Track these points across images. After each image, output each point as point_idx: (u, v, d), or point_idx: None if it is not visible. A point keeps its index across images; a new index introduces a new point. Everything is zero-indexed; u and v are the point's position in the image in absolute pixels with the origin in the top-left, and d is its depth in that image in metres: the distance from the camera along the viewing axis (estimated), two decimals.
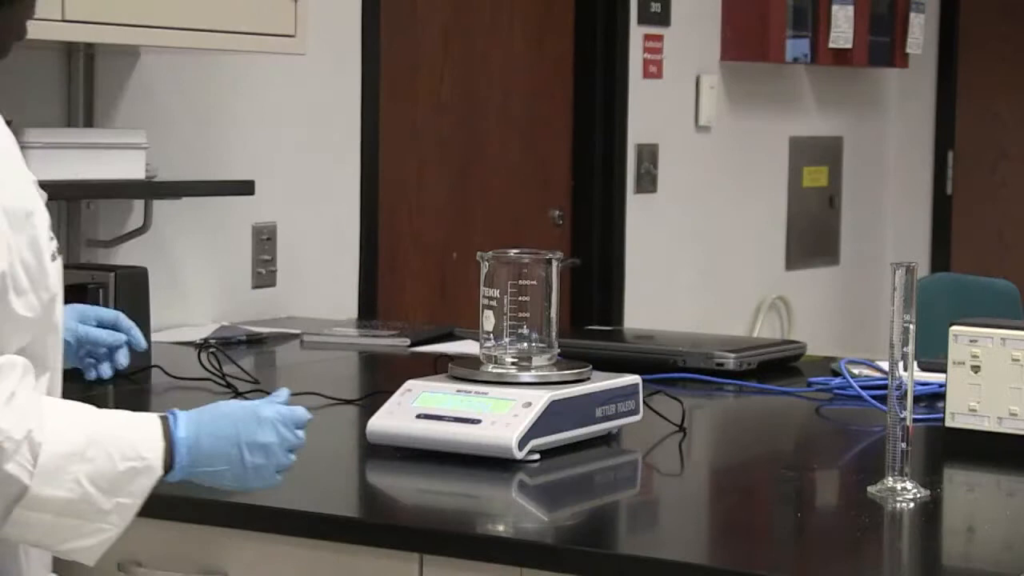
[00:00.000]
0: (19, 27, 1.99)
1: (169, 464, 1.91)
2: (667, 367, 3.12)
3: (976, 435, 2.46)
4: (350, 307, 4.22)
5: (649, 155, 5.23)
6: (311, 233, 4.12)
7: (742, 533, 2.08)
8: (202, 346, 3.08)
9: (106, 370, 2.30)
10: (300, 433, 1.98)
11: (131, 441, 1.91)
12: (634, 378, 2.52)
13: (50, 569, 2.03)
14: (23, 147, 3.18)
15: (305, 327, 3.70)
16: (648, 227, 5.24)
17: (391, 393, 2.43)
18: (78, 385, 2.22)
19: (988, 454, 2.44)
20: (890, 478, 2.17)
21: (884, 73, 6.38)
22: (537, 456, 2.33)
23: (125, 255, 3.59)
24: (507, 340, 2.44)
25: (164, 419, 1.94)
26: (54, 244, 1.93)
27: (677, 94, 5.35)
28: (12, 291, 1.84)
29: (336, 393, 2.84)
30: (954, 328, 2.48)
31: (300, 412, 1.99)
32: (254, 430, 1.95)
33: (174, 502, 2.15)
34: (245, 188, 3.66)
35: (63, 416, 1.89)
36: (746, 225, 5.71)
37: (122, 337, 2.29)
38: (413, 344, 3.52)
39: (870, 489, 2.17)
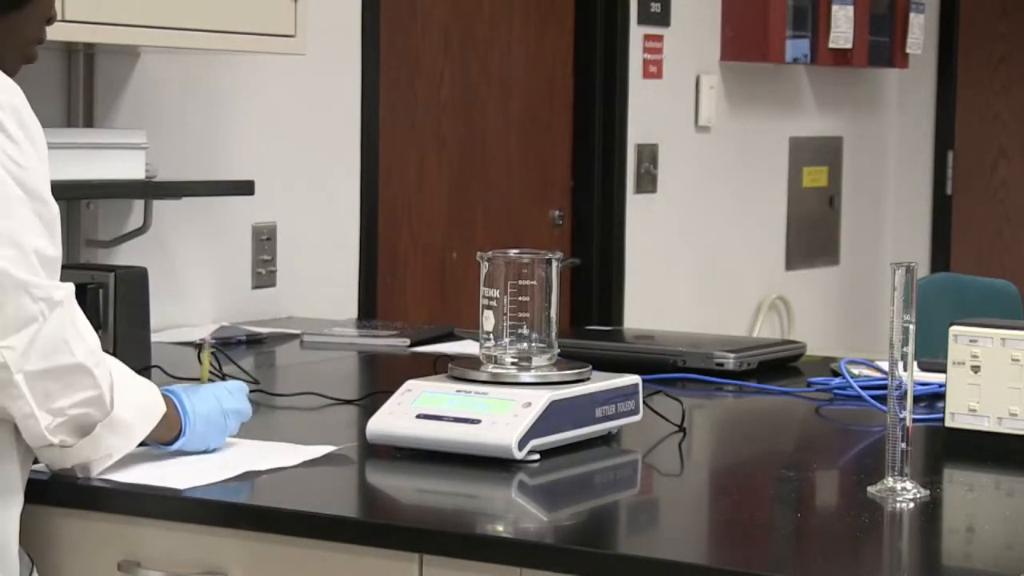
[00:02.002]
0: (37, 30, 2.22)
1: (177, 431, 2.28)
2: (667, 367, 3.12)
3: (976, 435, 2.46)
4: (350, 307, 4.22)
5: (649, 155, 5.23)
6: (311, 233, 4.12)
7: (742, 533, 2.08)
8: (202, 342, 3.07)
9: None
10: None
11: (142, 381, 2.26)
12: (634, 378, 2.52)
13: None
14: None
15: (305, 327, 3.70)
16: (648, 227, 5.24)
17: (391, 393, 2.43)
18: None
19: (988, 454, 2.44)
20: (890, 478, 2.16)
21: (884, 73, 6.38)
22: (537, 456, 2.33)
23: (125, 255, 3.59)
24: (507, 340, 2.44)
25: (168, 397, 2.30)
26: None
27: (677, 94, 5.35)
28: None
29: (336, 393, 2.84)
30: (954, 328, 2.48)
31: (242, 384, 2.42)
32: (228, 398, 2.35)
33: (174, 502, 2.15)
34: (245, 188, 3.66)
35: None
36: (746, 225, 5.71)
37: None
38: (413, 344, 3.51)
39: (870, 489, 2.17)
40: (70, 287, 2.09)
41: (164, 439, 2.27)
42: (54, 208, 2.09)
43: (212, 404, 2.32)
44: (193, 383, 2.45)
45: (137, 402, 2.21)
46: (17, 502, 2.13)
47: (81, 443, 2.13)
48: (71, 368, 2.06)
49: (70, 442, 2.11)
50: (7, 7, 2.16)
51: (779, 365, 3.24)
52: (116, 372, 2.17)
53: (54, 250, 2.08)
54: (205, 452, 2.32)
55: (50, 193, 2.09)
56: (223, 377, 2.90)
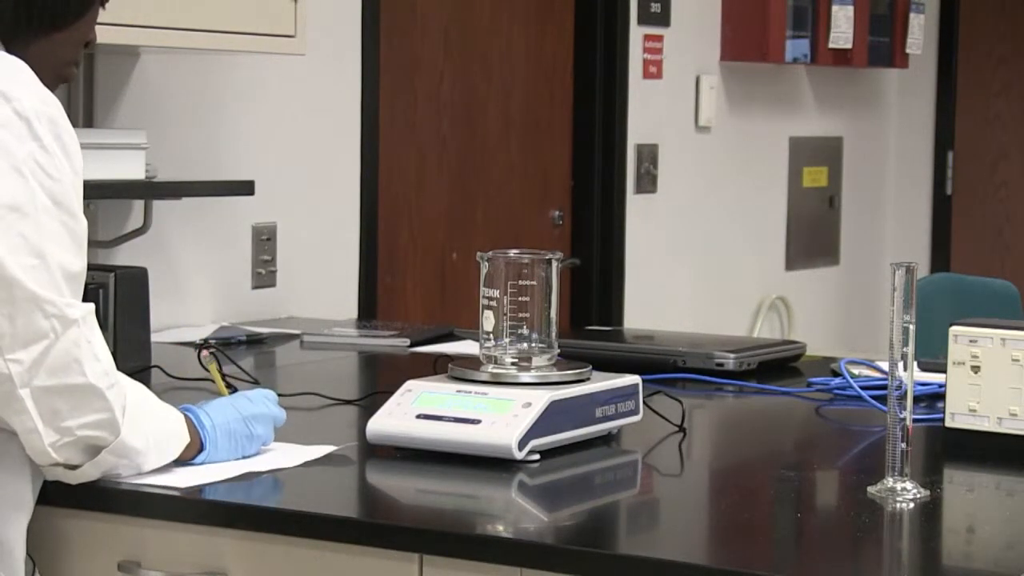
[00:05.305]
0: (74, 52, 2.23)
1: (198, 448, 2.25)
2: (667, 367, 3.12)
3: (976, 435, 2.46)
4: (350, 307, 4.22)
5: (649, 155, 5.23)
6: (311, 233, 4.12)
7: (742, 533, 2.08)
8: (202, 346, 3.07)
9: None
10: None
11: (167, 411, 2.22)
12: (634, 378, 2.52)
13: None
14: None
15: (305, 327, 3.70)
16: (648, 227, 5.24)
17: (391, 393, 2.43)
18: None
19: (988, 454, 2.44)
20: (890, 478, 2.16)
21: (884, 73, 6.39)
22: (537, 456, 2.33)
23: (125, 255, 3.59)
24: (507, 340, 2.44)
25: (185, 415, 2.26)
26: None
27: (677, 94, 5.35)
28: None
29: (336, 393, 2.84)
30: (954, 328, 2.48)
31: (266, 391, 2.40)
32: (248, 405, 2.33)
33: (174, 502, 2.15)
34: (245, 188, 3.66)
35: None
36: (746, 225, 5.71)
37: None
38: (413, 344, 3.51)
39: (870, 489, 2.17)
40: (89, 307, 2.06)
41: (186, 457, 2.24)
42: (83, 222, 2.07)
43: (230, 414, 2.29)
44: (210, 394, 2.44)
45: (155, 431, 2.17)
46: (26, 514, 2.12)
47: (85, 467, 2.11)
48: (81, 388, 2.04)
49: (76, 462, 2.10)
50: (49, 27, 2.16)
51: (779, 365, 3.24)
52: (136, 397, 2.15)
53: (79, 265, 2.06)
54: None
55: (81, 208, 2.08)
56: (223, 377, 2.90)
